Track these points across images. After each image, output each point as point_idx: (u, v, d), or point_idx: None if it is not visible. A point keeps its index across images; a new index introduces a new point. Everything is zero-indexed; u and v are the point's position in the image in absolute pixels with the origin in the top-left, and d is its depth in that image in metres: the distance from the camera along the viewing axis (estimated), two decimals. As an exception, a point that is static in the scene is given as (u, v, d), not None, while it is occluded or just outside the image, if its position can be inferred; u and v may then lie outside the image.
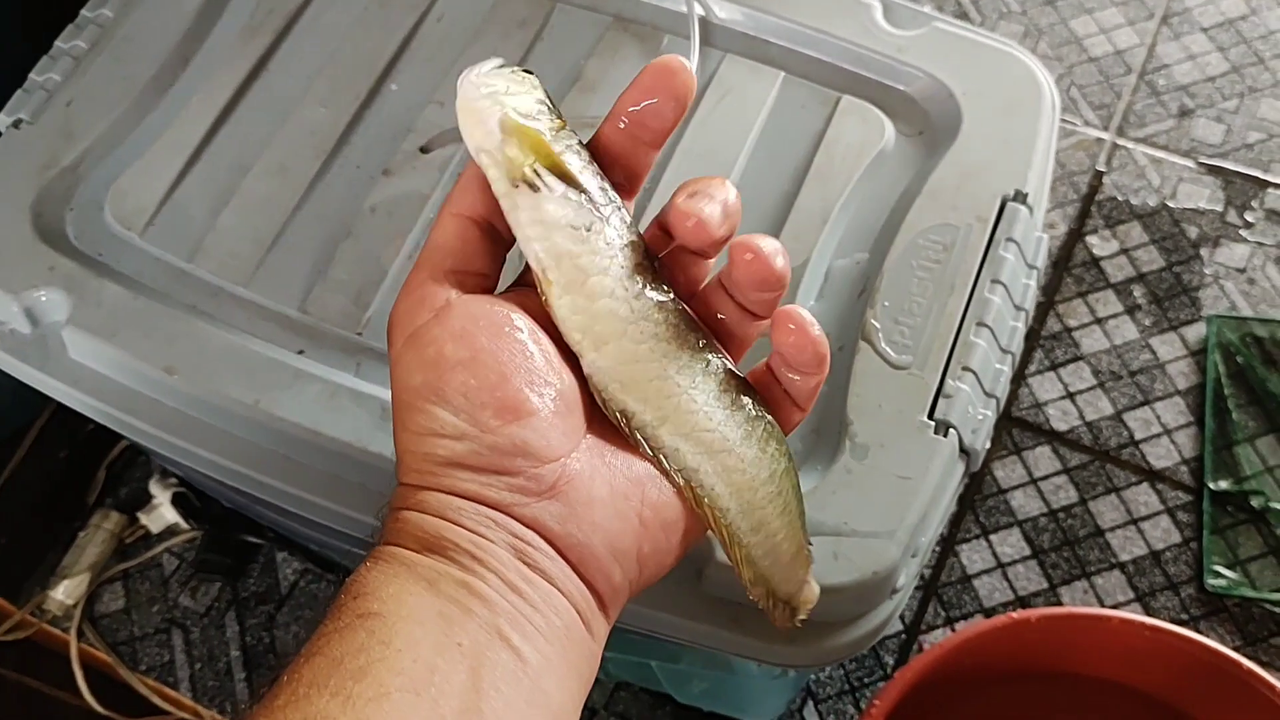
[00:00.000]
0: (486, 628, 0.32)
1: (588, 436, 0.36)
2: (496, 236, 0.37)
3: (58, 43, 0.76)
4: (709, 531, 0.38)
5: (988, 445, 0.64)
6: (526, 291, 0.37)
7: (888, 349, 0.63)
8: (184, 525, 1.09)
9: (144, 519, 1.10)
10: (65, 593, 1.08)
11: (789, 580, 0.41)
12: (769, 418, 0.39)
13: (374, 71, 0.74)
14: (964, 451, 0.62)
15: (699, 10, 0.73)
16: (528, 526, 0.34)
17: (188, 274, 0.68)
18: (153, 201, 0.70)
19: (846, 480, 0.59)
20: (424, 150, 0.71)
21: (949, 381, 0.62)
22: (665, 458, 0.37)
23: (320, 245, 0.69)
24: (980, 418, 0.62)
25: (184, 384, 0.64)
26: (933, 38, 0.72)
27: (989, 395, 0.63)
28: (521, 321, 0.35)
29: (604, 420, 0.37)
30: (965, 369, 0.62)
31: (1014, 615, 0.82)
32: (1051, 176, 0.72)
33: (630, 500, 0.35)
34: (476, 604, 0.32)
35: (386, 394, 0.63)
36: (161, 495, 1.08)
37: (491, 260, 0.37)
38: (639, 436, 0.37)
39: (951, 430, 0.61)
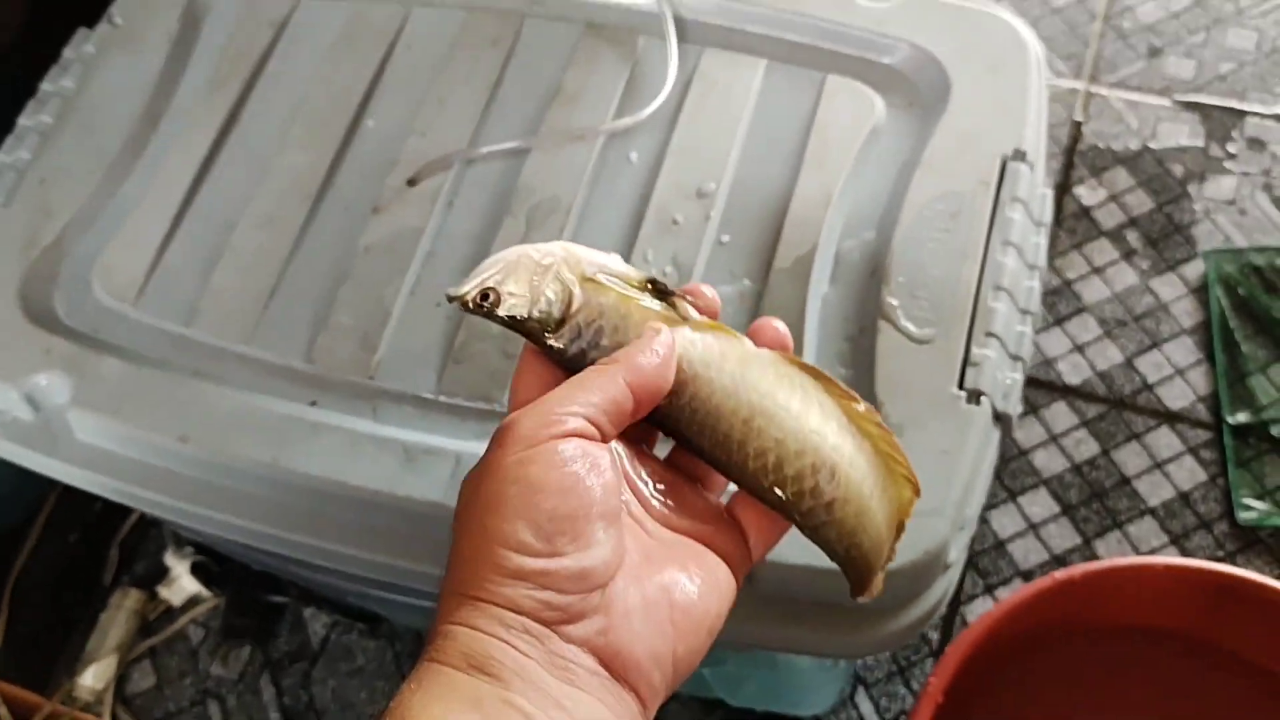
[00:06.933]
0: None
1: None
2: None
3: (21, 119, 0.75)
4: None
5: (1019, 409, 0.63)
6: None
7: (909, 325, 0.62)
8: (205, 594, 1.07)
9: (164, 592, 1.08)
10: (94, 677, 1.05)
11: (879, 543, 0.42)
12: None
13: (349, 109, 0.73)
14: (997, 417, 0.61)
15: (670, 8, 0.72)
16: (573, 643, 0.36)
17: (187, 339, 0.67)
18: (141, 270, 0.69)
19: (887, 463, 0.58)
20: (411, 183, 0.70)
21: (974, 349, 0.61)
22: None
23: (319, 292, 0.67)
24: (1009, 382, 0.62)
25: (198, 450, 0.62)
26: (910, 6, 0.71)
27: (1015, 358, 0.62)
28: (607, 461, 0.37)
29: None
30: (989, 334, 0.61)
31: (1056, 575, 0.81)
32: (1046, 131, 0.71)
33: (661, 606, 0.37)
34: None
35: (408, 435, 0.62)
36: (179, 566, 1.06)
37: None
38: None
39: (983, 398, 0.60)
